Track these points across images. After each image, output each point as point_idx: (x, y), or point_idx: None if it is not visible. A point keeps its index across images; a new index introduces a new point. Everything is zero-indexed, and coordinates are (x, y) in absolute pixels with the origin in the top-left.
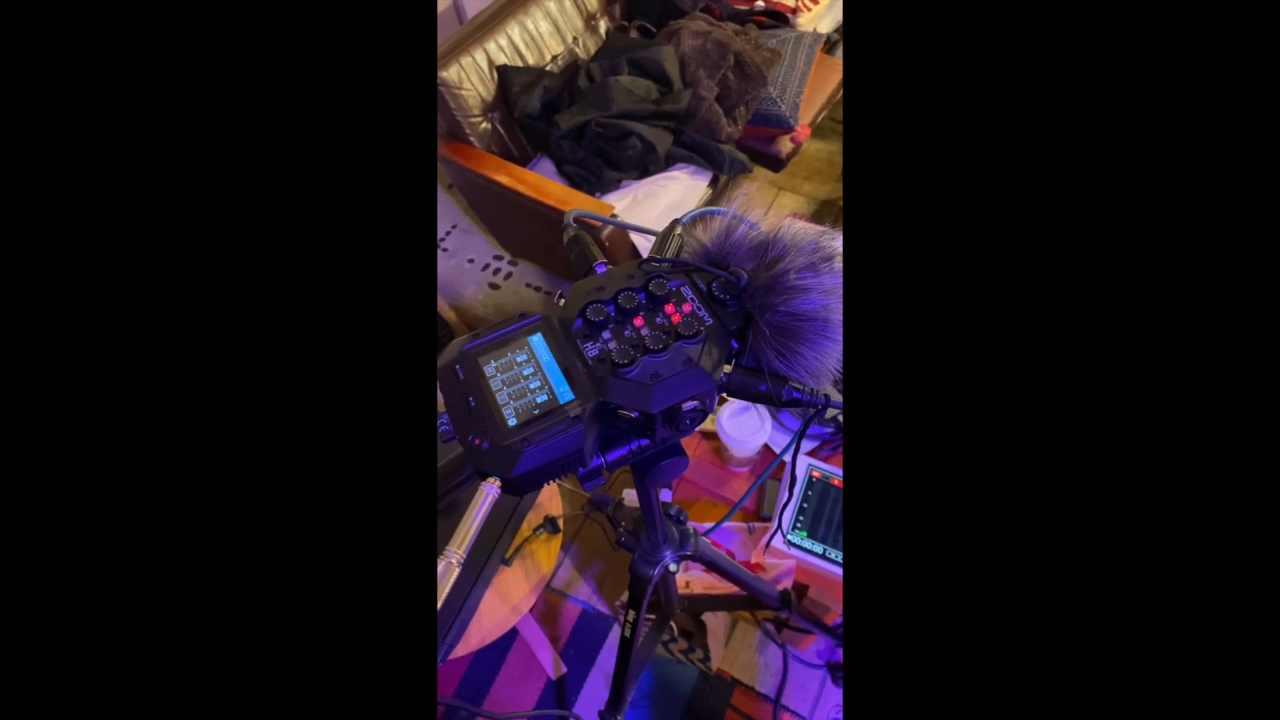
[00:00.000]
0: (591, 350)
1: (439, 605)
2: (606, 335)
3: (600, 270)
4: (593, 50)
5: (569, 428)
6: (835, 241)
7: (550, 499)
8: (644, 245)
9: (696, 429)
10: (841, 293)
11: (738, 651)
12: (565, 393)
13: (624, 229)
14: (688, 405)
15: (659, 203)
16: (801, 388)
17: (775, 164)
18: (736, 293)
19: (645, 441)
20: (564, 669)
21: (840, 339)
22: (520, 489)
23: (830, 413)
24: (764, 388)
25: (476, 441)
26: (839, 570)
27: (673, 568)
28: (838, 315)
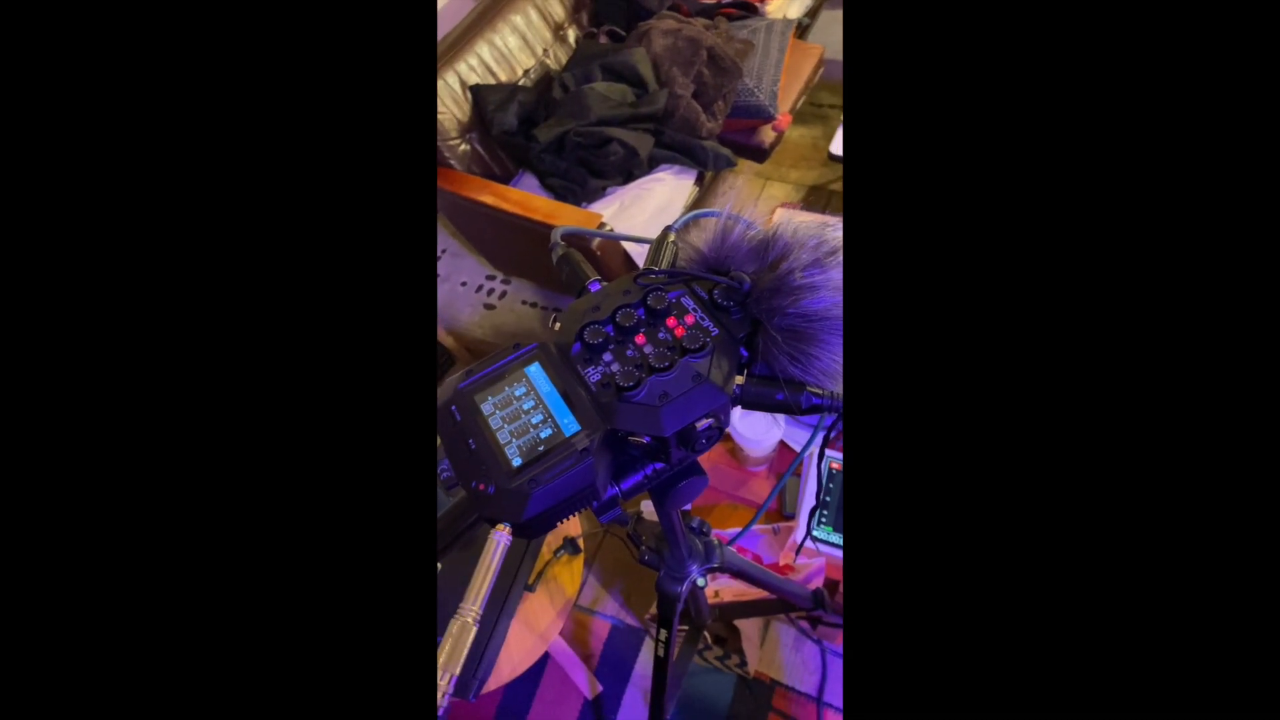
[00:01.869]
0: (593, 375)
1: (459, 665)
2: (608, 357)
3: (594, 288)
4: (564, 60)
5: (578, 462)
6: (838, 232)
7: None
8: (638, 252)
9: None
10: None
11: (774, 652)
12: (570, 424)
13: (615, 240)
14: (702, 424)
15: (647, 206)
16: (821, 392)
17: (759, 155)
18: (740, 298)
19: (661, 465)
20: (600, 688)
21: None
22: (532, 532)
23: None
24: (781, 396)
25: (481, 487)
26: None
27: (700, 582)
28: None
